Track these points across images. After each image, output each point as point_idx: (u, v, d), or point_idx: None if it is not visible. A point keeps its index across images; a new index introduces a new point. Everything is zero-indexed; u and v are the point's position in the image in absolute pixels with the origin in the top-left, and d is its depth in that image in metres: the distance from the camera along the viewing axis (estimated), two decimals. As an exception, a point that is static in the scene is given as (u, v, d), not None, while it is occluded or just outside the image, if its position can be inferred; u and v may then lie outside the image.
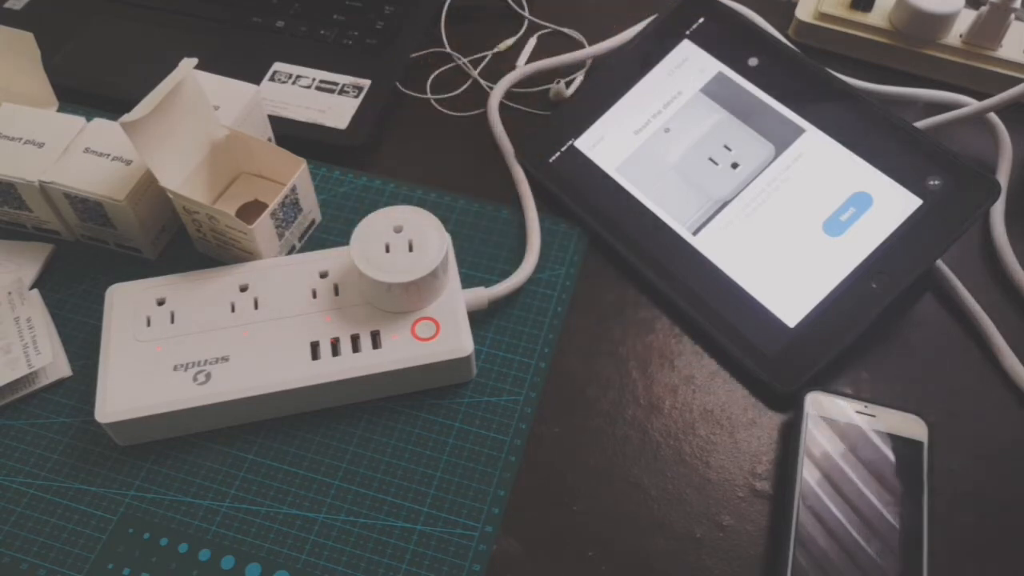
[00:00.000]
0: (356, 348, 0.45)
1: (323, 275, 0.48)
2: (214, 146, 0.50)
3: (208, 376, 0.44)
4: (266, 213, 0.48)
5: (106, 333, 0.46)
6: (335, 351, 0.45)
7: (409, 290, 0.45)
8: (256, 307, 0.47)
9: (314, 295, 0.47)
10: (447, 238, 0.46)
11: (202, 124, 0.49)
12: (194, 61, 0.47)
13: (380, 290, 0.45)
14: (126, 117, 0.44)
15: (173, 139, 0.47)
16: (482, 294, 0.48)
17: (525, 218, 0.53)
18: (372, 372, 0.45)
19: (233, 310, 0.47)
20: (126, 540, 0.42)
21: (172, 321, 0.46)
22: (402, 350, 0.45)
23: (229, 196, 0.52)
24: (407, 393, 0.47)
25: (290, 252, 0.52)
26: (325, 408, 0.46)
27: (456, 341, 0.45)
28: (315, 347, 0.45)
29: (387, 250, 0.45)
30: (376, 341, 0.46)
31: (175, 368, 0.45)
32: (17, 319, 0.48)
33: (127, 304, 0.47)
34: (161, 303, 0.47)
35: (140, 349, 0.45)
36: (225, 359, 0.45)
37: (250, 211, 0.51)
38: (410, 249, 0.45)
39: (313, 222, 0.54)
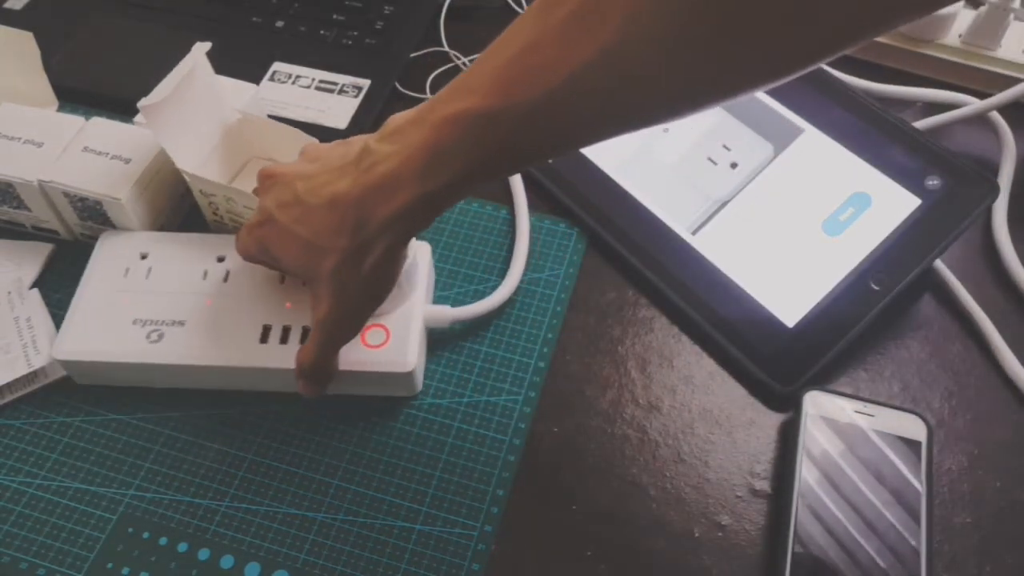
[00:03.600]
0: (303, 341, 0.45)
1: None
2: (227, 130, 0.51)
3: (160, 336, 0.45)
4: None
5: (86, 275, 0.48)
6: (283, 339, 0.45)
7: None
8: (226, 279, 0.47)
9: (282, 280, 0.47)
10: (415, 250, 0.44)
11: (215, 108, 0.50)
12: (207, 45, 0.48)
13: None
14: (145, 100, 0.45)
15: (189, 122, 0.48)
16: (446, 313, 0.48)
17: (516, 228, 0.52)
18: None
19: (204, 278, 0.47)
20: (125, 539, 0.42)
21: (147, 276, 0.47)
22: (346, 353, 0.44)
23: (241, 179, 0.53)
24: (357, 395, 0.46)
25: None
26: (273, 391, 0.46)
27: (400, 355, 0.45)
28: (266, 331, 0.46)
29: None
30: None
31: (134, 322, 0.46)
32: (17, 319, 0.48)
33: (114, 252, 0.49)
34: (144, 257, 0.48)
35: (111, 297, 0.47)
36: (181, 323, 0.46)
37: None
38: None
39: None
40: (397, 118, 0.37)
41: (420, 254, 0.47)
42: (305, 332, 0.45)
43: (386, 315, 0.46)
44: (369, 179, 0.36)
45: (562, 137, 0.35)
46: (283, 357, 0.44)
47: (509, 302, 0.50)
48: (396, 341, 0.45)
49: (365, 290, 0.40)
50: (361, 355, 0.45)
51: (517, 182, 0.55)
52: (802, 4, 0.29)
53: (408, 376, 0.45)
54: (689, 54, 0.31)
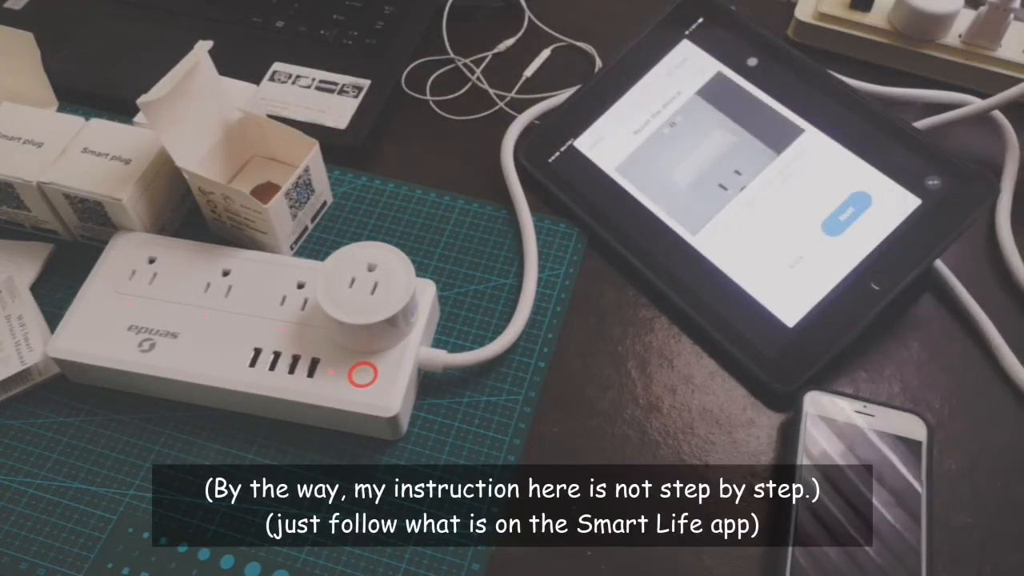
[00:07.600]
0: (291, 369, 0.44)
1: (300, 286, 0.47)
2: (228, 128, 0.51)
3: (152, 346, 0.45)
4: (281, 192, 0.48)
5: (93, 272, 0.48)
6: (272, 365, 0.44)
7: (356, 332, 0.43)
8: (227, 295, 0.47)
9: (282, 302, 0.47)
10: (413, 288, 0.44)
11: (216, 106, 0.50)
12: (209, 44, 0.48)
13: (331, 320, 0.43)
14: (145, 97, 0.45)
15: (189, 120, 0.48)
16: (440, 358, 0.46)
17: (524, 279, 0.51)
18: (292, 399, 0.44)
19: (206, 290, 0.47)
20: (125, 539, 0.42)
21: (151, 282, 0.47)
22: (330, 388, 0.44)
23: (242, 178, 0.53)
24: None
25: (303, 234, 0.53)
26: (257, 415, 0.46)
27: (384, 399, 0.43)
28: (257, 354, 0.45)
29: (351, 284, 0.44)
30: (312, 370, 0.44)
31: (129, 328, 0.46)
32: (8, 317, 0.48)
33: (124, 252, 0.48)
34: (152, 261, 0.48)
35: (113, 299, 0.47)
36: (174, 335, 0.45)
37: (263, 193, 0.52)
38: (372, 292, 0.44)
39: (325, 203, 0.54)
40: None
41: (423, 293, 0.46)
42: (295, 361, 0.44)
43: (379, 353, 0.45)
44: None
45: None
46: (269, 384, 0.44)
47: (509, 302, 0.50)
48: (383, 383, 0.44)
49: None
50: (343, 394, 0.43)
51: (516, 182, 0.55)
52: None
53: (391, 421, 0.43)
54: None
